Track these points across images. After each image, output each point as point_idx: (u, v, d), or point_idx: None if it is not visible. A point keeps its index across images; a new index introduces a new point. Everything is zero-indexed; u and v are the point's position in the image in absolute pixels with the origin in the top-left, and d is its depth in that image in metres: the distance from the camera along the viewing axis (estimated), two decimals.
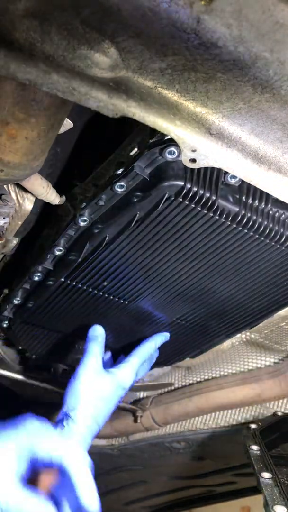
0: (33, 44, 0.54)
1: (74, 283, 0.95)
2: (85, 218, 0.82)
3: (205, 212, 0.76)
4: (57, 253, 0.90)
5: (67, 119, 0.78)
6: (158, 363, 1.35)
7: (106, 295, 1.00)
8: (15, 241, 1.00)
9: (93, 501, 0.73)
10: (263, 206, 0.79)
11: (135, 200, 0.76)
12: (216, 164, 0.67)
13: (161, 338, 1.13)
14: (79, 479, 0.74)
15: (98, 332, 1.05)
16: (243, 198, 0.78)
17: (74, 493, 0.74)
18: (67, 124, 0.79)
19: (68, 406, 0.93)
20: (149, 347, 1.10)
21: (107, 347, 1.13)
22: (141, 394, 1.58)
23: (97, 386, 0.96)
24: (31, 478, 0.75)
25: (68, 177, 0.95)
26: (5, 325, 1.13)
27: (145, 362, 1.12)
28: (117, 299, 1.01)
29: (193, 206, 0.75)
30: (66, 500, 0.75)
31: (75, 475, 0.74)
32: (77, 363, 1.02)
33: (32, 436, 0.74)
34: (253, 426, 1.22)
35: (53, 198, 0.88)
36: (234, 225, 0.79)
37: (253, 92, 0.59)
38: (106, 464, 1.83)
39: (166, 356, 1.28)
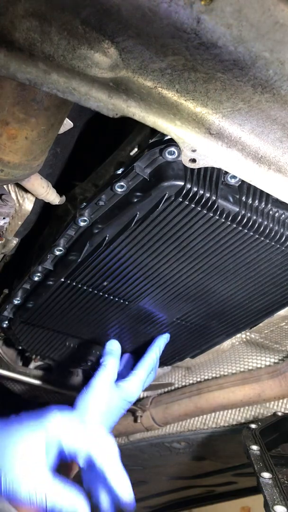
0: (33, 44, 0.54)
1: (74, 283, 0.95)
2: (85, 218, 0.82)
3: (205, 212, 0.76)
4: (57, 253, 0.90)
5: (67, 119, 0.78)
6: (158, 364, 1.35)
7: (106, 295, 1.00)
8: (15, 241, 1.00)
9: (127, 491, 0.75)
10: (263, 206, 0.79)
11: (135, 200, 0.76)
12: (216, 164, 0.67)
13: (163, 341, 1.15)
14: (111, 469, 0.74)
15: (114, 347, 1.09)
16: (243, 198, 0.78)
17: (106, 484, 0.74)
18: (67, 124, 0.79)
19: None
20: (154, 355, 1.12)
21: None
22: (141, 394, 1.57)
23: (107, 400, 0.99)
24: (57, 470, 0.74)
25: (68, 177, 0.95)
26: (5, 325, 1.13)
27: (152, 371, 1.14)
28: (117, 299, 1.01)
29: (193, 206, 0.75)
30: (98, 491, 0.76)
31: (106, 466, 0.74)
32: (83, 363, 1.05)
33: (59, 428, 0.74)
34: (253, 426, 1.22)
35: (53, 198, 0.88)
36: (234, 225, 0.79)
37: (253, 92, 0.59)
38: None
39: (166, 356, 1.28)
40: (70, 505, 0.69)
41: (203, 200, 0.74)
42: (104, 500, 0.78)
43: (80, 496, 0.71)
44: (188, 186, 0.72)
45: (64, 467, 0.80)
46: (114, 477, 0.75)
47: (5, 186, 0.88)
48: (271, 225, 0.80)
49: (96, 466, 0.75)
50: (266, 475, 0.93)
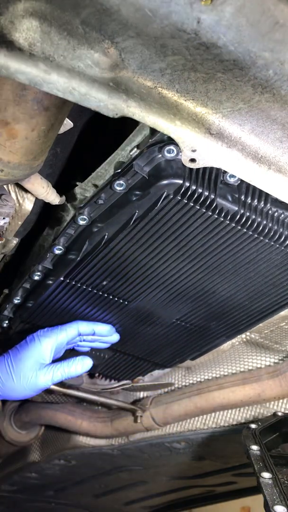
0: (33, 44, 0.54)
1: (73, 282, 0.95)
2: (85, 217, 0.82)
3: (204, 210, 0.76)
4: (57, 252, 0.90)
5: (67, 119, 0.78)
6: (158, 365, 1.35)
7: (106, 295, 1.00)
8: (15, 241, 1.00)
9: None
10: (263, 205, 0.79)
11: (134, 198, 0.76)
12: (216, 164, 0.67)
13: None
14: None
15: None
16: (242, 197, 0.78)
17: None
18: (67, 124, 0.79)
19: None
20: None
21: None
22: (141, 394, 1.58)
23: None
24: None
25: (68, 177, 0.95)
26: (5, 325, 1.13)
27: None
28: (116, 299, 1.01)
29: (192, 204, 0.75)
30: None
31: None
32: None
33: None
34: (253, 426, 1.22)
35: (53, 198, 0.88)
36: (233, 224, 0.79)
37: (253, 92, 0.59)
38: (106, 464, 1.83)
39: (167, 358, 1.28)
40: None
41: (201, 199, 0.74)
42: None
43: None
44: (187, 184, 0.72)
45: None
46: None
47: (5, 186, 0.88)
48: (270, 225, 0.80)
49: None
50: (266, 475, 0.93)
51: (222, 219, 0.77)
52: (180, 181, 0.72)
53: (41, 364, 1.04)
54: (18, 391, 1.04)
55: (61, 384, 1.36)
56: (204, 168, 0.74)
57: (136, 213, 0.77)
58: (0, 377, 1.04)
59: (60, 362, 1.07)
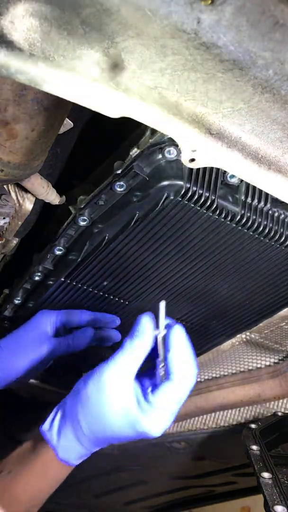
0: (33, 44, 0.54)
1: (74, 283, 0.95)
2: (85, 217, 0.82)
3: (204, 211, 0.76)
4: (57, 252, 0.90)
5: (67, 119, 0.78)
6: None
7: (106, 295, 1.00)
8: (15, 241, 1.00)
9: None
10: (263, 206, 0.79)
11: (135, 199, 0.76)
12: (216, 164, 0.67)
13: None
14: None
15: (147, 327, 0.75)
16: (243, 197, 0.78)
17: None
18: (67, 124, 0.79)
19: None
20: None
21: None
22: None
23: (109, 407, 0.72)
24: None
25: (68, 177, 0.95)
26: (6, 325, 1.13)
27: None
28: (117, 299, 1.01)
29: (192, 205, 0.75)
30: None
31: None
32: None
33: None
34: (253, 426, 1.22)
35: (53, 198, 0.88)
36: (234, 225, 0.79)
37: (253, 92, 0.59)
38: (106, 464, 1.83)
39: None
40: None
41: (202, 200, 0.74)
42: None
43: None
44: (188, 185, 0.72)
45: None
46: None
47: (5, 186, 0.88)
48: (270, 225, 0.80)
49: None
50: (266, 475, 0.93)
51: (223, 220, 0.77)
52: (181, 182, 0.72)
53: (43, 335, 1.00)
54: (22, 362, 0.98)
55: (60, 385, 1.36)
56: (204, 169, 0.74)
57: (137, 214, 0.77)
58: (1, 349, 1.00)
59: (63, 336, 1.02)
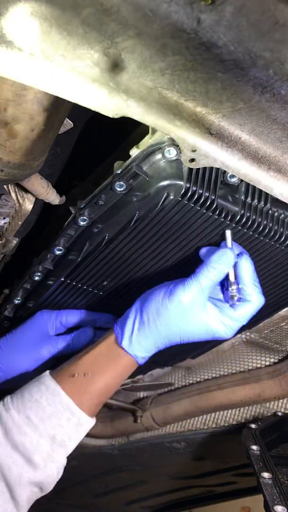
0: (33, 44, 0.54)
1: (74, 283, 0.95)
2: (85, 217, 0.82)
3: (204, 211, 0.76)
4: (57, 252, 0.90)
5: (67, 119, 0.78)
6: (158, 364, 1.34)
7: (106, 295, 1.00)
8: (15, 241, 1.00)
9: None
10: (263, 205, 0.79)
11: (135, 199, 0.76)
12: (216, 164, 0.67)
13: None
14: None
15: (226, 259, 0.81)
16: (243, 197, 0.78)
17: None
18: (67, 124, 0.79)
19: None
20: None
21: None
22: (141, 394, 1.57)
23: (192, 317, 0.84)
24: None
25: (68, 177, 0.95)
26: (6, 325, 1.13)
27: None
28: (117, 299, 1.01)
29: (192, 205, 0.75)
30: None
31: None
32: None
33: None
34: (253, 426, 1.22)
35: (53, 198, 0.88)
36: (234, 225, 0.79)
37: (254, 92, 0.59)
38: (106, 464, 1.83)
39: (167, 357, 1.28)
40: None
41: (202, 199, 0.74)
42: None
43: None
44: (188, 185, 0.72)
45: None
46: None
47: (5, 186, 0.88)
48: (270, 225, 0.80)
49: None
50: (266, 475, 0.93)
51: (223, 220, 0.77)
52: (181, 182, 0.72)
53: (43, 335, 1.03)
54: (21, 362, 1.02)
55: None
56: (204, 169, 0.74)
57: (137, 214, 0.77)
58: (1, 349, 1.03)
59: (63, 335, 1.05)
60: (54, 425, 0.83)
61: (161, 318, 0.83)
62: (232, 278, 0.83)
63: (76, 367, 0.88)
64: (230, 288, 0.84)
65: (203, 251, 0.85)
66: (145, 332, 0.85)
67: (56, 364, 1.05)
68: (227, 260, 0.80)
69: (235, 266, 0.83)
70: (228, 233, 0.80)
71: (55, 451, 0.83)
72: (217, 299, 0.86)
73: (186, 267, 0.90)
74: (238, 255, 0.83)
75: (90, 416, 0.87)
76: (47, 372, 0.89)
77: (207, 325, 0.83)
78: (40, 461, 0.82)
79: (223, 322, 0.83)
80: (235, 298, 0.83)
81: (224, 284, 0.86)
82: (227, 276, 0.83)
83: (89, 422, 0.87)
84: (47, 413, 0.83)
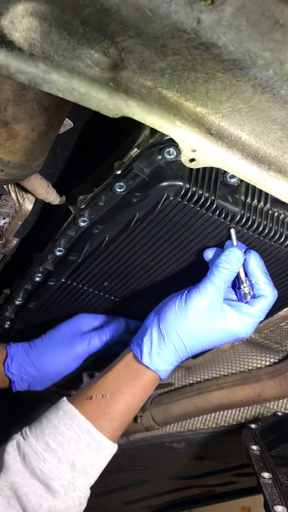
0: (33, 44, 0.54)
1: (74, 284, 0.95)
2: (85, 218, 0.82)
3: (204, 212, 0.76)
4: (58, 253, 0.90)
5: (67, 119, 0.78)
6: None
7: (107, 295, 1.00)
8: (15, 241, 1.00)
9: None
10: (263, 205, 0.79)
11: (135, 200, 0.76)
12: (216, 164, 0.67)
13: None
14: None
15: (237, 255, 0.81)
16: (243, 197, 0.78)
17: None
18: (67, 124, 0.79)
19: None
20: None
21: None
22: None
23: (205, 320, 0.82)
24: None
25: (68, 177, 0.95)
26: (7, 326, 1.13)
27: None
28: (117, 300, 1.01)
29: (192, 206, 0.75)
30: None
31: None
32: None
33: None
34: (253, 426, 1.22)
35: (53, 198, 0.88)
36: (234, 225, 0.79)
37: (253, 92, 0.59)
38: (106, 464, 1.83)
39: None
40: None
41: (202, 200, 0.74)
42: None
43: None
44: (187, 186, 0.72)
45: None
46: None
47: (5, 186, 0.88)
48: (270, 225, 0.80)
49: None
50: (266, 475, 0.93)
51: (223, 220, 0.77)
52: (181, 183, 0.72)
53: (78, 334, 1.01)
54: (56, 361, 1.00)
55: (60, 386, 1.36)
56: (204, 169, 0.74)
57: (137, 215, 0.77)
58: (36, 348, 1.01)
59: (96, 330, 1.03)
60: (74, 450, 0.79)
61: (181, 327, 0.81)
62: (243, 276, 0.83)
63: (94, 389, 0.84)
64: (242, 286, 0.84)
65: (208, 253, 0.84)
66: (166, 345, 0.82)
67: (90, 366, 1.05)
68: (236, 258, 0.80)
69: (244, 263, 0.83)
70: (233, 231, 0.80)
71: (76, 478, 0.79)
72: (231, 299, 0.86)
73: (187, 267, 0.90)
74: (245, 252, 0.82)
75: (112, 440, 0.83)
76: (65, 398, 0.85)
77: (228, 327, 0.82)
78: (59, 488, 0.77)
79: (243, 321, 0.82)
80: (249, 295, 0.83)
81: (236, 283, 0.86)
82: (237, 276, 0.83)
83: (111, 448, 0.83)
84: (66, 438, 0.79)
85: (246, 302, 0.84)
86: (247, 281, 0.83)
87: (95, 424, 0.81)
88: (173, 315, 0.82)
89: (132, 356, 0.85)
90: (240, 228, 0.79)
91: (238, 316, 0.82)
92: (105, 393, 0.83)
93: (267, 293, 0.84)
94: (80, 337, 1.01)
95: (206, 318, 0.81)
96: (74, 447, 0.79)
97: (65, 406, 0.83)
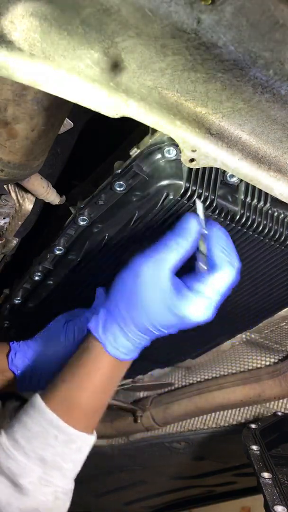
0: (33, 44, 0.54)
1: (74, 283, 0.95)
2: (85, 217, 0.82)
3: (204, 211, 0.76)
4: (57, 252, 0.90)
5: (67, 119, 0.78)
6: (159, 364, 1.34)
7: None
8: (15, 241, 1.00)
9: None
10: (263, 205, 0.79)
11: (134, 199, 0.76)
12: (216, 164, 0.67)
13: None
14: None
15: (193, 225, 0.72)
16: (242, 197, 0.78)
17: None
18: (67, 124, 0.79)
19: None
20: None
21: None
22: (141, 394, 1.57)
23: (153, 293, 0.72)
24: None
25: (68, 177, 0.95)
26: (6, 325, 1.13)
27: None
28: None
29: (192, 205, 0.75)
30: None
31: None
32: None
33: None
34: (253, 426, 1.22)
35: (53, 198, 0.88)
36: (233, 224, 0.79)
37: (253, 92, 0.59)
38: (106, 464, 1.83)
39: (167, 357, 1.28)
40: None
41: (201, 199, 0.74)
42: None
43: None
44: (187, 185, 0.72)
45: None
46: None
47: (5, 186, 0.88)
48: (270, 225, 0.80)
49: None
50: (266, 475, 0.93)
51: (222, 219, 0.77)
52: (180, 182, 0.72)
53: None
54: (58, 351, 0.90)
55: None
56: (204, 169, 0.74)
57: (137, 214, 0.77)
58: (38, 341, 0.94)
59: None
60: (42, 444, 0.76)
61: (122, 297, 0.73)
62: (203, 250, 0.73)
63: (59, 379, 0.79)
64: (197, 261, 0.74)
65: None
66: (112, 320, 0.75)
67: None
68: (189, 227, 0.71)
69: (207, 239, 0.73)
70: (199, 203, 0.73)
71: (48, 474, 0.76)
72: (187, 276, 0.75)
73: (186, 267, 0.90)
74: (211, 228, 0.73)
75: (83, 431, 0.78)
76: (37, 393, 0.80)
77: (166, 301, 0.71)
78: (28, 485, 0.74)
79: (188, 298, 0.70)
80: (205, 271, 0.73)
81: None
82: (197, 251, 0.74)
83: (82, 438, 0.79)
84: (33, 433, 0.76)
85: (199, 279, 0.72)
86: (204, 257, 0.73)
87: (62, 416, 0.77)
88: (117, 286, 0.75)
89: (92, 337, 0.78)
90: (239, 228, 0.79)
91: (184, 290, 0.71)
92: (68, 380, 0.78)
93: (221, 268, 0.71)
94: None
95: (145, 287, 0.71)
96: (41, 441, 0.76)
97: (34, 400, 0.79)
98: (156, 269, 0.71)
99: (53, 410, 0.77)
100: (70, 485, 0.80)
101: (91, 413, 0.80)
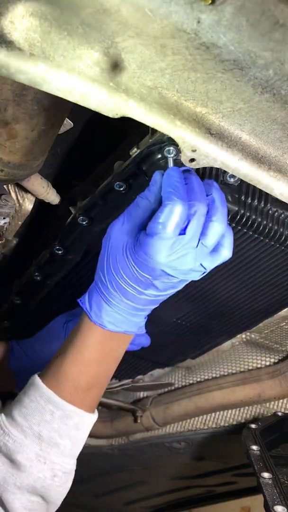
0: (33, 44, 0.54)
1: (74, 282, 0.95)
2: (85, 217, 0.82)
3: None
4: (57, 252, 0.90)
5: (67, 119, 0.78)
6: (159, 364, 1.34)
7: None
8: (15, 241, 1.00)
9: None
10: (263, 205, 0.79)
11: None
12: (216, 164, 0.67)
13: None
14: None
15: (155, 177, 0.69)
16: (243, 197, 0.78)
17: None
18: (67, 124, 0.79)
19: None
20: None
21: None
22: (141, 394, 1.58)
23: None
24: None
25: (68, 177, 0.95)
26: (6, 325, 1.13)
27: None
28: None
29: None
30: None
31: None
32: None
33: None
34: (253, 426, 1.22)
35: (53, 198, 0.88)
36: (233, 225, 0.79)
37: (253, 92, 0.59)
38: (106, 464, 1.83)
39: (167, 357, 1.28)
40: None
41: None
42: None
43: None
44: None
45: None
46: None
47: (5, 186, 0.88)
48: (270, 225, 0.80)
49: None
50: (266, 475, 0.93)
51: None
52: None
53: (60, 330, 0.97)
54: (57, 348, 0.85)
55: None
56: (204, 168, 0.74)
57: None
58: (37, 339, 0.97)
59: None
60: (38, 421, 0.76)
61: (100, 264, 0.72)
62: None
63: (54, 356, 0.80)
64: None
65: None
66: (96, 288, 0.74)
67: None
68: (153, 179, 0.69)
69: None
70: (170, 158, 0.70)
71: (45, 450, 0.76)
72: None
73: None
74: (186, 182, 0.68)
75: (79, 407, 0.78)
76: (36, 373, 0.81)
77: (127, 252, 0.69)
78: (24, 461, 0.74)
79: (143, 241, 0.67)
80: None
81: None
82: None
83: (80, 414, 0.78)
84: (30, 410, 0.76)
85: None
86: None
87: (57, 391, 0.77)
88: (99, 256, 0.73)
89: (83, 311, 0.77)
90: (239, 228, 0.79)
91: (139, 236, 0.68)
92: (60, 355, 0.78)
93: (164, 204, 0.65)
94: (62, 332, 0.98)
95: (115, 246, 0.70)
96: (38, 418, 0.76)
97: (33, 379, 0.79)
98: (123, 226, 0.69)
99: (48, 386, 0.77)
100: (70, 465, 0.80)
101: (85, 388, 0.78)
